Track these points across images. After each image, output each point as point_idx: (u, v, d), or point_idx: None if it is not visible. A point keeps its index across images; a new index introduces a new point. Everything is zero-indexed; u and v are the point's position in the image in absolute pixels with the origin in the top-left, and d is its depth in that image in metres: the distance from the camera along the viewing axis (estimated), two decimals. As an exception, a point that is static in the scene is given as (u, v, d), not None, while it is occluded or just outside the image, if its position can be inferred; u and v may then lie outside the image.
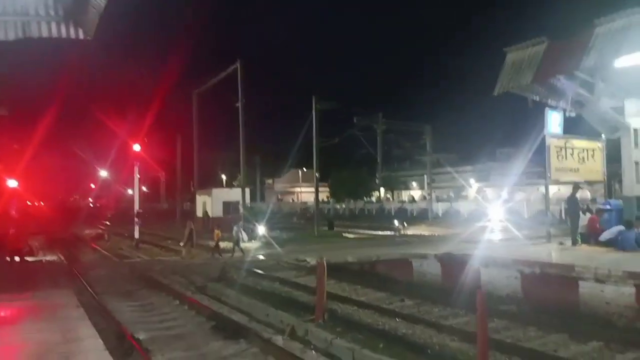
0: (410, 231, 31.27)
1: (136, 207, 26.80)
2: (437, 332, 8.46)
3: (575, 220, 12.16)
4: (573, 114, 12.04)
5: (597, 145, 14.21)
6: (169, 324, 9.69)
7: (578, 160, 13.73)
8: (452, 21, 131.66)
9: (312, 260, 17.28)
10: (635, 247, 10.91)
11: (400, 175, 65.52)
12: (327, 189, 62.35)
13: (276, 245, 21.97)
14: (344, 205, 57.90)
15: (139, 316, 10.42)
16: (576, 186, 12.65)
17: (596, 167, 14.16)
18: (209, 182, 48.47)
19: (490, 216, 33.26)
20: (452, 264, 12.07)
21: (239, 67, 28.90)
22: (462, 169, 61.54)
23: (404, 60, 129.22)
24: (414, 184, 66.45)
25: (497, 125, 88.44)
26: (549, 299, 9.69)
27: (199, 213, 36.96)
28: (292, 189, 77.70)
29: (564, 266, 9.38)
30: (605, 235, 11.71)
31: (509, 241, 18.27)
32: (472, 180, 57.91)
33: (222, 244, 21.78)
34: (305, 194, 72.45)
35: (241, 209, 32.83)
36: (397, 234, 30.01)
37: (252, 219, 27.37)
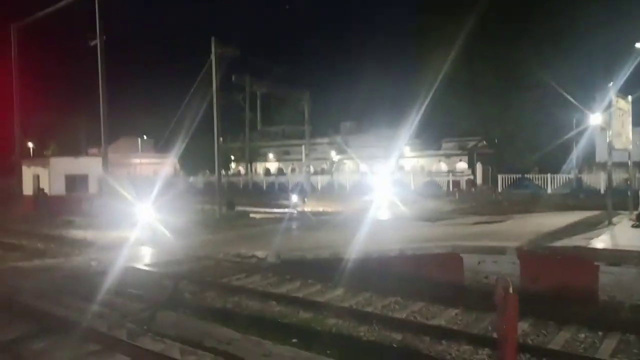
0: (308, 207, 27.74)
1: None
2: None
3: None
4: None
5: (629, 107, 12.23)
6: None
7: (622, 124, 11.55)
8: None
9: (263, 254, 12.69)
10: None
11: (257, 146, 60.91)
12: (176, 160, 54.81)
13: (167, 236, 16.02)
14: (197, 179, 51.48)
15: None
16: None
17: (627, 132, 12.19)
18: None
19: (377, 190, 31.58)
20: (539, 261, 8.69)
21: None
22: (319, 141, 59.87)
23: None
24: (271, 155, 62.72)
25: (341, 97, 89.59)
26: None
27: (28, 190, 27.74)
28: (127, 160, 67.23)
29: None
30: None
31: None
32: (333, 153, 56.58)
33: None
34: (146, 166, 63.09)
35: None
36: (295, 211, 26.19)
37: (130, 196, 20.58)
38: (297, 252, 12.44)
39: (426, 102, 37.44)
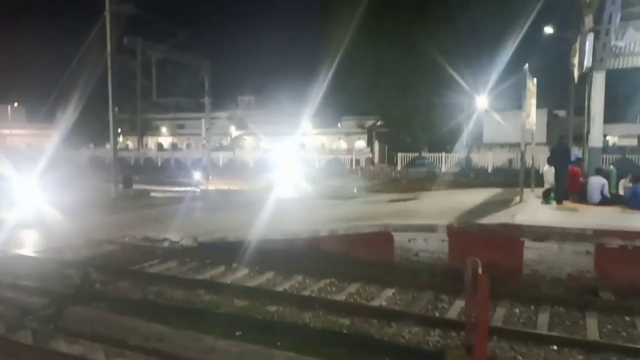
0: (211, 186, 26.51)
1: None
2: None
3: (564, 175, 10.56)
4: (622, 43, 10.17)
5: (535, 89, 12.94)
6: None
7: (530, 106, 12.23)
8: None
9: (176, 237, 11.79)
10: (646, 206, 9.98)
11: (149, 119, 56.82)
12: (54, 132, 49.23)
13: (57, 218, 14.19)
14: (80, 153, 46.83)
15: None
16: (563, 135, 11.05)
17: (533, 113, 12.93)
18: None
19: (282, 167, 31.32)
20: (467, 238, 8.93)
21: None
22: (216, 115, 57.71)
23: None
24: (164, 129, 59.04)
25: (238, 71, 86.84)
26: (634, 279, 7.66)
27: None
28: (-7, 131, 59.42)
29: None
30: (594, 194, 10.46)
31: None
32: (232, 128, 54.86)
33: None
34: (17, 137, 56.19)
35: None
36: (198, 190, 24.90)
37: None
38: (213, 234, 11.64)
39: (327, 79, 37.49)
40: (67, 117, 41.09)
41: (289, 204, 17.75)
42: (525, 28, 31.14)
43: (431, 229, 9.14)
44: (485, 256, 8.63)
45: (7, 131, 53.92)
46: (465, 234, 8.95)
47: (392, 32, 39.26)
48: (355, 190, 23.34)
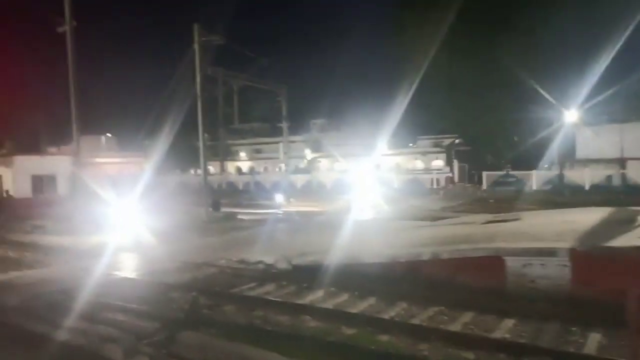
0: (292, 207, 26.72)
1: None
2: None
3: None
4: None
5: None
6: None
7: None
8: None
9: (270, 260, 11.71)
10: None
11: (228, 144, 59.05)
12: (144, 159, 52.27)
13: (153, 241, 14.60)
14: (168, 179, 49.36)
15: None
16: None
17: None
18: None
19: (360, 188, 30.90)
20: (593, 263, 8.03)
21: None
22: (291, 139, 58.75)
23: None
24: (242, 153, 61.03)
25: (310, 94, 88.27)
26: None
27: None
28: (91, 160, 64.09)
29: None
30: None
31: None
32: (307, 151, 55.54)
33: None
34: (111, 165, 60.26)
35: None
36: (280, 212, 25.13)
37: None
38: (305, 257, 11.48)
39: (402, 100, 36.88)
40: (159, 145, 43.42)
41: (372, 225, 17.38)
42: (614, 38, 29.10)
43: (550, 252, 8.34)
44: (617, 284, 7.76)
45: (101, 160, 57.97)
46: (592, 258, 8.07)
47: (469, 48, 38.22)
48: (439, 211, 22.48)
